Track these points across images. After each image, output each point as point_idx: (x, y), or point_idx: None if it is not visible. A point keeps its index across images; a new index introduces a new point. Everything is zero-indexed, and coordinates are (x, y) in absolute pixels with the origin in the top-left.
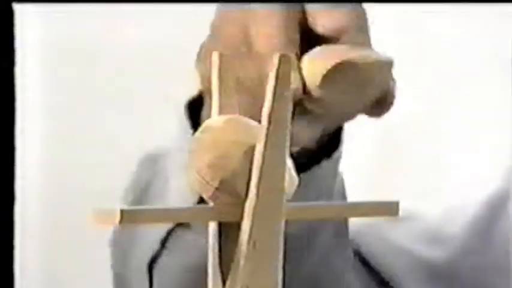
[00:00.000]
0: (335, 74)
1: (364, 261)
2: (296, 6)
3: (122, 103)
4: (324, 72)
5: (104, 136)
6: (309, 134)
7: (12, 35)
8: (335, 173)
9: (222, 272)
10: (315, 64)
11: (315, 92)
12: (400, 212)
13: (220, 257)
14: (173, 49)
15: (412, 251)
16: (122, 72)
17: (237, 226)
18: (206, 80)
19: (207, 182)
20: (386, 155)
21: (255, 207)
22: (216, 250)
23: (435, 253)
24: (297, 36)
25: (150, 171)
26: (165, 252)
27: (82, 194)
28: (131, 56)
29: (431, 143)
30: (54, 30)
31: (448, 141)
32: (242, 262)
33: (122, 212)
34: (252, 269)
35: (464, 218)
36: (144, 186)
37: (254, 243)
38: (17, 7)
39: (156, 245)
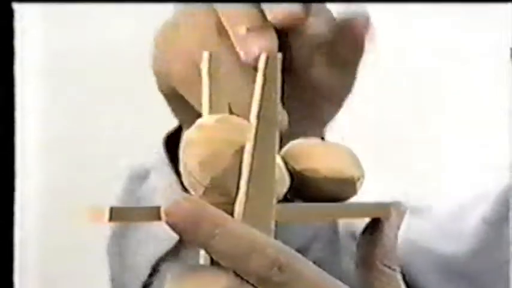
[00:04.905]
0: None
1: None
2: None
3: (122, 102)
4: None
5: (104, 137)
6: None
7: (12, 35)
8: None
9: None
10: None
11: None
12: (408, 209)
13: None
14: None
15: (428, 248)
16: (122, 71)
17: None
18: (165, 85)
19: (198, 181)
20: (384, 153)
21: (244, 207)
22: None
23: (452, 249)
24: None
25: (139, 189)
26: (156, 278)
27: (81, 197)
28: (132, 55)
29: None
30: (54, 30)
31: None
32: None
33: (111, 209)
34: None
35: (475, 214)
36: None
37: None
38: (17, 7)
39: (146, 271)
